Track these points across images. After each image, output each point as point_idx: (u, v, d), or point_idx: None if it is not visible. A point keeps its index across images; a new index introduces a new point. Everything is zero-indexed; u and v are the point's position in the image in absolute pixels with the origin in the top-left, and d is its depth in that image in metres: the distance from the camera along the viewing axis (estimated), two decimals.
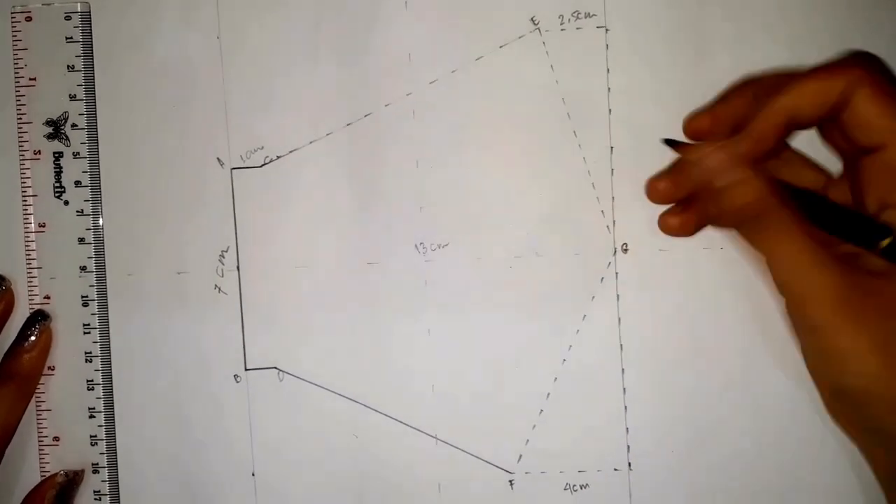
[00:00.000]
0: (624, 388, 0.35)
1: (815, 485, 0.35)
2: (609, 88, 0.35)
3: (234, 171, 0.36)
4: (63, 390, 0.36)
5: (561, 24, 0.35)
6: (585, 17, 0.35)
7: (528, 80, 0.35)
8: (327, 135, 0.35)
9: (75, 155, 0.35)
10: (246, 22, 0.35)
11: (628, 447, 0.35)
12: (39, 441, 0.36)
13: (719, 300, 0.35)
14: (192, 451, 0.36)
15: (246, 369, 0.36)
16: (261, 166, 0.36)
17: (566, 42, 0.35)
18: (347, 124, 0.35)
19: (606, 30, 0.35)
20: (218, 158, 0.36)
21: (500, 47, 0.35)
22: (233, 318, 0.36)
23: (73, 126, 0.35)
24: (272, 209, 0.36)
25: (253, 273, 0.36)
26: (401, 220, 0.35)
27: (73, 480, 0.35)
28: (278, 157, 0.36)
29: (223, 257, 0.36)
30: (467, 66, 0.35)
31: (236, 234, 0.36)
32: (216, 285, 0.36)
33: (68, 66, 0.35)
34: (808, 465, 0.34)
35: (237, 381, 0.36)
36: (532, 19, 0.35)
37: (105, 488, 0.36)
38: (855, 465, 0.34)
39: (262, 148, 0.36)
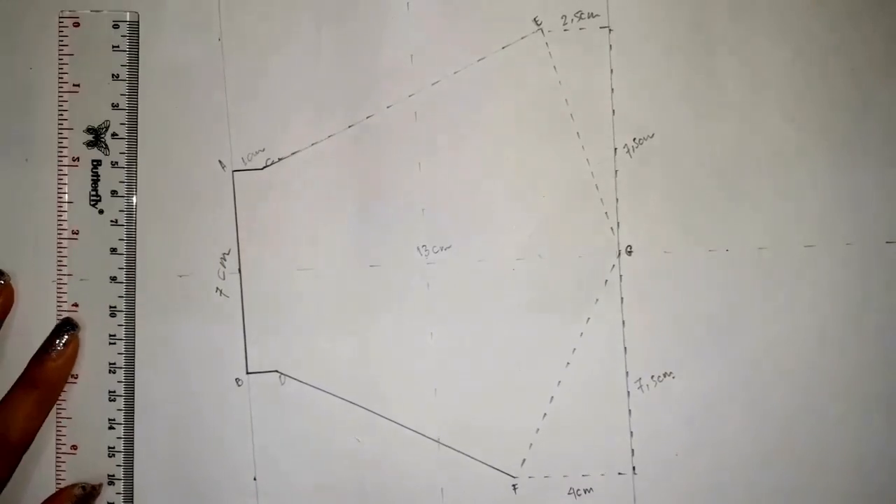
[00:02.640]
0: (628, 392, 0.35)
1: (819, 488, 0.34)
2: (612, 89, 0.35)
3: (235, 173, 0.36)
4: (84, 399, 0.35)
5: (564, 24, 0.35)
6: (588, 18, 0.34)
7: (530, 81, 0.35)
8: (329, 137, 0.35)
9: (114, 164, 0.35)
10: (247, 24, 0.35)
11: (632, 451, 0.35)
12: (57, 449, 0.35)
13: (724, 303, 0.34)
14: (193, 454, 0.36)
15: (247, 373, 0.36)
16: (262, 168, 0.36)
17: (569, 42, 0.35)
18: (349, 126, 0.35)
19: (610, 30, 0.34)
20: (219, 161, 0.36)
21: (503, 48, 0.35)
22: (234, 321, 0.36)
23: (114, 135, 0.35)
24: (274, 211, 0.35)
25: (254, 276, 0.36)
26: (403, 222, 0.35)
27: (90, 494, 0.34)
28: (280, 160, 0.36)
29: (224, 260, 0.36)
30: (469, 67, 0.35)
31: (238, 236, 0.36)
32: (217, 288, 0.36)
33: (113, 75, 0.35)
34: (812, 469, 0.34)
35: (238, 385, 0.36)
36: (535, 20, 0.35)
37: (119, 501, 0.35)
38: (858, 468, 0.34)
39: (264, 150, 0.35)
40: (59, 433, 0.35)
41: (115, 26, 0.35)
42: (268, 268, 0.36)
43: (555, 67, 0.35)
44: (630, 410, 0.35)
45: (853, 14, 0.34)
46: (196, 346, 0.36)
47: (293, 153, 0.35)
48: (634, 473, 0.35)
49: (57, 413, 0.35)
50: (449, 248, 0.35)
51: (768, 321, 0.34)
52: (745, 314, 0.34)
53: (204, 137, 0.35)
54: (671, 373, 0.35)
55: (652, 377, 0.35)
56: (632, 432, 0.35)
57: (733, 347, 0.34)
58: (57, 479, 0.35)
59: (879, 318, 0.34)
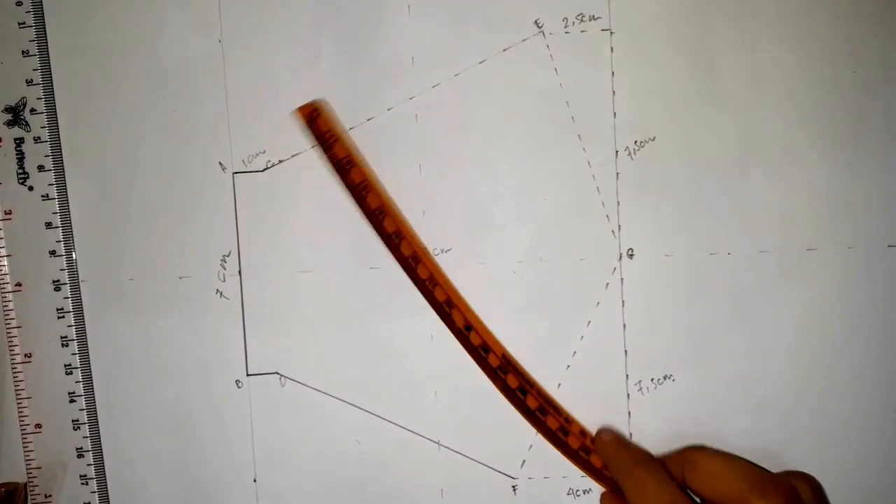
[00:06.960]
0: (628, 394, 0.35)
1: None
2: (614, 91, 0.34)
3: (235, 175, 0.36)
4: (41, 377, 0.36)
5: (565, 26, 0.34)
6: (590, 20, 0.34)
7: (531, 84, 0.34)
8: None
9: (36, 140, 0.35)
10: (248, 26, 0.35)
11: None
12: (22, 430, 0.36)
13: (725, 306, 0.34)
14: (194, 456, 0.36)
15: (247, 374, 0.36)
16: (262, 171, 0.35)
17: (570, 45, 0.34)
18: (350, 128, 0.35)
19: (611, 32, 0.34)
20: (220, 163, 0.36)
21: (504, 50, 0.34)
22: (234, 322, 0.36)
23: (33, 111, 0.35)
24: (274, 213, 0.35)
25: (255, 277, 0.36)
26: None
27: (12, 492, 0.35)
28: (280, 162, 0.35)
29: (225, 262, 0.36)
30: (470, 70, 0.35)
31: (238, 238, 0.36)
32: (218, 290, 0.36)
33: (23, 52, 0.35)
34: (812, 466, 0.34)
35: (239, 387, 0.36)
36: (536, 22, 0.34)
37: (91, 472, 0.36)
38: (859, 464, 0.34)
39: (264, 152, 0.35)
40: (21, 413, 0.36)
41: (19, 3, 0.35)
42: (268, 270, 0.36)
43: (556, 70, 0.34)
44: (629, 412, 0.35)
45: (855, 16, 0.33)
46: (196, 348, 0.36)
47: (293, 155, 0.35)
48: None
49: (17, 394, 0.35)
50: (449, 250, 0.35)
51: (769, 325, 0.34)
52: (746, 318, 0.34)
53: (204, 139, 0.35)
54: (671, 375, 0.35)
55: (652, 380, 0.35)
56: (631, 434, 0.35)
57: (734, 351, 0.34)
58: (26, 458, 0.36)
59: (881, 321, 0.34)
